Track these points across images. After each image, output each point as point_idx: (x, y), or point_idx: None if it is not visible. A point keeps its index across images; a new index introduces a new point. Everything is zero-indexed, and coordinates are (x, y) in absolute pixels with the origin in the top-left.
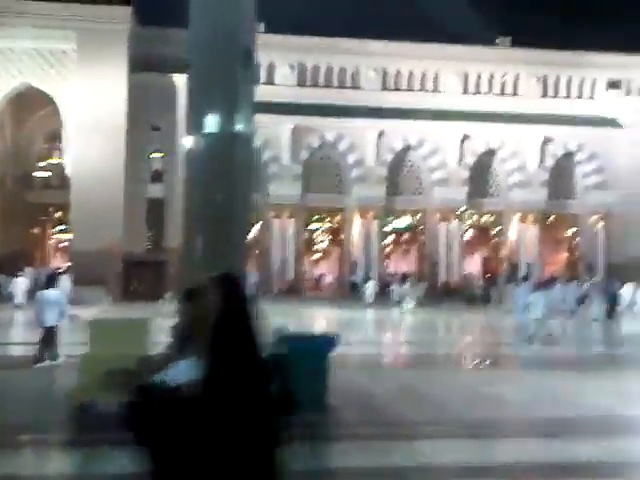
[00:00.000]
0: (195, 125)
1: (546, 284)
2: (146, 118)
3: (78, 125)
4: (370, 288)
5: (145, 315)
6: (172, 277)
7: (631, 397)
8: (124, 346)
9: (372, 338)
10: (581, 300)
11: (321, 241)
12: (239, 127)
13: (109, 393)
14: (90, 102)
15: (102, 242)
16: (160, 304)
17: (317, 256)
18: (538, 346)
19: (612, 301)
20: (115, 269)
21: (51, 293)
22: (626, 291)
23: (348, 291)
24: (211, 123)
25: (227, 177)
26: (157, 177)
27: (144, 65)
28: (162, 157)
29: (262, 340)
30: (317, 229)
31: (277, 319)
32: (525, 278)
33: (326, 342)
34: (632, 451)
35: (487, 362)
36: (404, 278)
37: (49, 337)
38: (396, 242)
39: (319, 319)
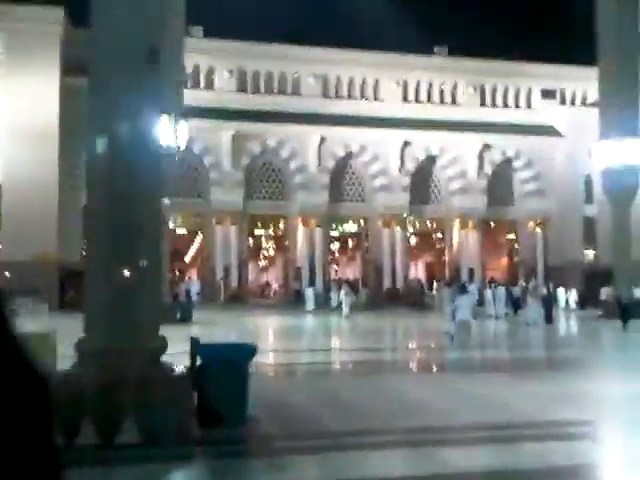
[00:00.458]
0: (98, 129)
1: (463, 287)
2: (81, 123)
3: (9, 130)
4: (310, 295)
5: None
6: None
7: (557, 400)
8: None
9: (301, 346)
10: (516, 303)
11: (266, 248)
12: (144, 130)
13: None
14: (21, 107)
15: (35, 251)
16: None
17: (262, 263)
18: (465, 350)
19: (548, 304)
20: (50, 279)
21: None
22: (560, 294)
23: (293, 298)
24: (114, 126)
25: (131, 182)
26: None
27: (79, 68)
28: None
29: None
30: (261, 236)
31: (209, 328)
32: (448, 284)
33: (244, 351)
34: (549, 456)
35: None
36: (341, 285)
37: None
38: (340, 248)
39: (253, 327)
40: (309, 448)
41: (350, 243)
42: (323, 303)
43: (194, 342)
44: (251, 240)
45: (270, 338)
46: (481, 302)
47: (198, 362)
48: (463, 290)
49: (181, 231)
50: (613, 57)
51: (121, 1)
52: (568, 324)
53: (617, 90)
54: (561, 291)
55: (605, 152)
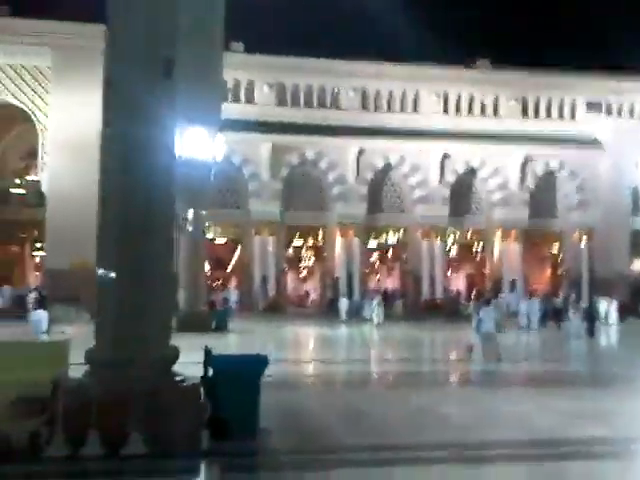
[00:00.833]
0: (115, 136)
1: (488, 300)
2: None
3: (54, 142)
4: (344, 305)
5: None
6: None
7: (581, 417)
8: (38, 370)
9: (323, 356)
10: (558, 315)
11: (304, 258)
12: (159, 137)
13: (18, 423)
14: (66, 119)
15: (76, 260)
16: None
17: (301, 273)
18: (490, 363)
19: (590, 317)
20: (91, 287)
21: (41, 313)
22: (602, 306)
23: (327, 308)
24: (131, 134)
25: (145, 188)
26: None
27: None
28: None
29: None
30: (299, 246)
31: (242, 337)
32: (477, 297)
33: (257, 362)
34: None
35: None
36: (375, 295)
37: None
38: (379, 259)
39: (283, 336)
40: (321, 462)
41: (389, 254)
42: (356, 313)
43: (207, 353)
44: (289, 250)
45: (295, 348)
46: (516, 314)
47: (210, 373)
48: (487, 303)
49: (221, 241)
50: None
51: (136, 12)
52: (609, 337)
53: None
54: (602, 303)
55: None
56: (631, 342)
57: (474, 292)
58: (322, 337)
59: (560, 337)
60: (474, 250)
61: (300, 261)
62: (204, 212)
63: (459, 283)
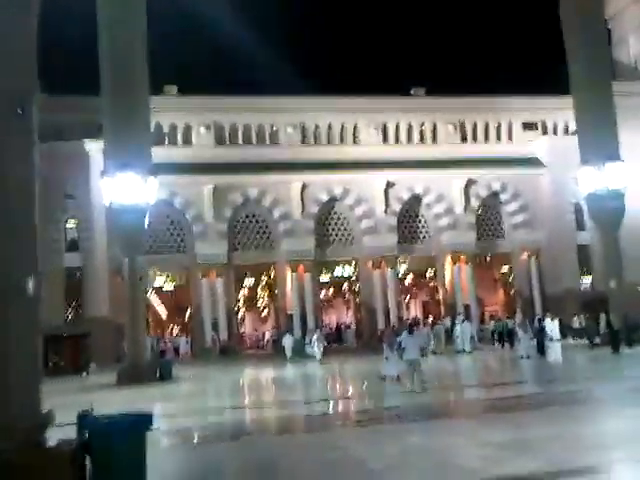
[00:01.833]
0: None
1: (412, 327)
2: (58, 187)
3: None
4: (288, 343)
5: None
6: (95, 348)
7: (512, 448)
8: None
9: (245, 401)
10: (508, 336)
11: (255, 298)
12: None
13: None
14: None
15: None
16: (83, 378)
17: (253, 314)
18: (421, 392)
19: (539, 336)
20: None
21: None
22: (548, 324)
23: (276, 347)
24: None
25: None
26: (73, 246)
27: (53, 133)
28: (77, 225)
29: None
30: (250, 286)
31: (182, 385)
32: (410, 327)
33: (137, 422)
34: None
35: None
36: (315, 331)
37: None
38: (333, 293)
39: (222, 383)
40: None
41: (343, 287)
42: (301, 350)
43: (79, 416)
44: (245, 291)
45: (224, 395)
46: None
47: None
48: (410, 330)
49: (169, 287)
50: (585, 85)
51: None
52: (556, 355)
53: (592, 117)
54: (548, 322)
55: (587, 178)
56: (578, 358)
57: (429, 318)
58: (257, 381)
59: (505, 358)
60: (427, 277)
61: (251, 301)
62: (139, 258)
63: (414, 311)
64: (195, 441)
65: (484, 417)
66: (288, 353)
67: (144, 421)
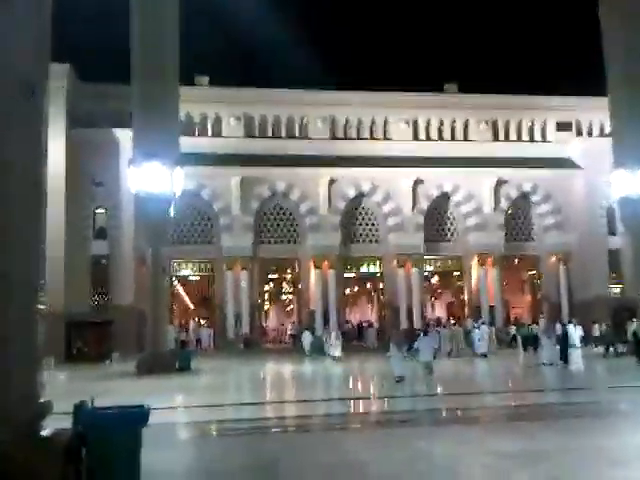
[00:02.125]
0: None
1: (426, 330)
2: (88, 174)
3: None
4: (307, 340)
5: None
6: (119, 336)
7: (519, 458)
8: None
9: (260, 397)
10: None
11: (280, 292)
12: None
13: None
14: None
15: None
16: (106, 365)
17: (277, 308)
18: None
19: (563, 343)
20: (56, 330)
21: None
22: (571, 330)
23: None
24: None
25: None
26: (102, 233)
27: (84, 121)
28: (106, 213)
29: None
30: (274, 280)
31: (201, 377)
32: (425, 329)
33: (134, 416)
34: None
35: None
36: (334, 329)
37: None
38: (356, 290)
39: (240, 376)
40: None
41: (367, 285)
42: (320, 348)
43: (76, 407)
44: (270, 284)
45: (238, 389)
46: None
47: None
48: (425, 332)
49: (194, 278)
50: (622, 87)
51: None
52: (578, 363)
53: (628, 119)
54: (570, 328)
55: (620, 182)
56: (600, 367)
57: (451, 319)
58: (273, 377)
59: (524, 364)
60: (452, 277)
61: (276, 295)
62: (164, 248)
63: (439, 311)
64: (192, 436)
65: (494, 425)
66: (307, 349)
67: (139, 416)
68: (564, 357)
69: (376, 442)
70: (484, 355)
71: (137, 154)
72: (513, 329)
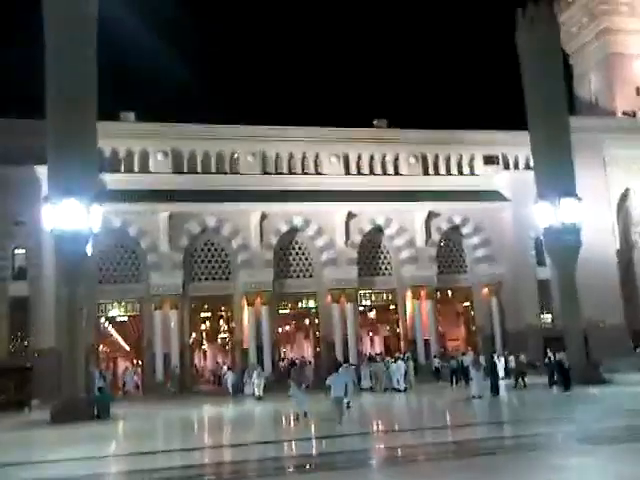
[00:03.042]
0: None
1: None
2: (6, 213)
3: None
4: (229, 380)
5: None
6: (39, 382)
7: None
8: None
9: (172, 445)
10: (463, 373)
11: (216, 331)
12: None
13: None
14: None
15: None
16: (25, 413)
17: (213, 347)
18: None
19: (493, 375)
20: None
21: None
22: (498, 362)
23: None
24: None
25: None
26: (21, 274)
27: (2, 158)
28: (26, 252)
29: None
30: (206, 318)
31: (115, 426)
32: (337, 365)
33: None
34: None
35: None
36: (257, 367)
37: None
38: (292, 326)
39: (152, 425)
40: None
41: (303, 320)
42: (241, 387)
43: None
44: (201, 323)
45: (151, 436)
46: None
47: None
48: (337, 369)
49: (123, 318)
50: (541, 120)
51: None
52: (507, 396)
53: (548, 152)
54: (498, 360)
55: (544, 213)
56: (528, 397)
57: (375, 354)
58: (189, 421)
59: (447, 398)
60: (388, 311)
61: (218, 333)
62: (90, 288)
63: (377, 345)
64: None
65: (398, 465)
66: (230, 390)
67: None
68: (495, 389)
69: None
70: (402, 390)
71: (52, 191)
72: (436, 362)
